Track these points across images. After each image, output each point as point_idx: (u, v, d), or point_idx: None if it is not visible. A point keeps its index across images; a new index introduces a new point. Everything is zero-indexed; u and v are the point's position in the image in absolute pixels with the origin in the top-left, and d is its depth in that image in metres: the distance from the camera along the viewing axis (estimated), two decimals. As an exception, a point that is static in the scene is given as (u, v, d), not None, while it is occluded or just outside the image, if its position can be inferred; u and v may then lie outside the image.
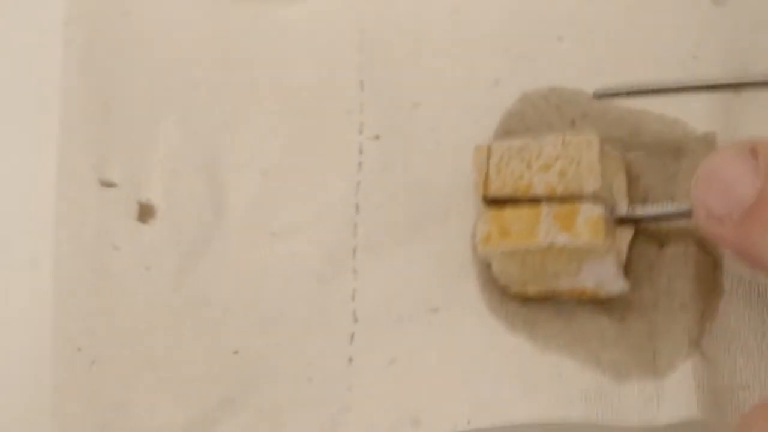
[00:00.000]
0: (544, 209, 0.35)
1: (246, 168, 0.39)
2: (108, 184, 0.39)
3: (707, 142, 0.37)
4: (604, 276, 0.36)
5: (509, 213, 0.36)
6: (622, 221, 0.36)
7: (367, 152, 0.39)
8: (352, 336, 0.37)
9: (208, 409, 0.37)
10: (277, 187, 0.39)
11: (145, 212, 0.39)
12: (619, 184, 0.37)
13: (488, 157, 0.36)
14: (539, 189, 0.36)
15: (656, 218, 0.36)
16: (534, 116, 0.38)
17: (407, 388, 0.37)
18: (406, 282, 0.38)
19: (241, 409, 0.37)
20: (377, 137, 0.39)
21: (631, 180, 0.37)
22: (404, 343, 0.37)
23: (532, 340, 0.36)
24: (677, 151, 0.38)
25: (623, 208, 0.36)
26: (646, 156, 0.38)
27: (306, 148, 0.39)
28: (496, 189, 0.36)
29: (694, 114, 0.38)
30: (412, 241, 0.38)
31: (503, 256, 0.36)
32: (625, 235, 0.36)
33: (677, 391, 0.35)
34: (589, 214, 0.35)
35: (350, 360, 0.37)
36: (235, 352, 0.37)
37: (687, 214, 0.36)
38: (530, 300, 0.37)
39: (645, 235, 0.37)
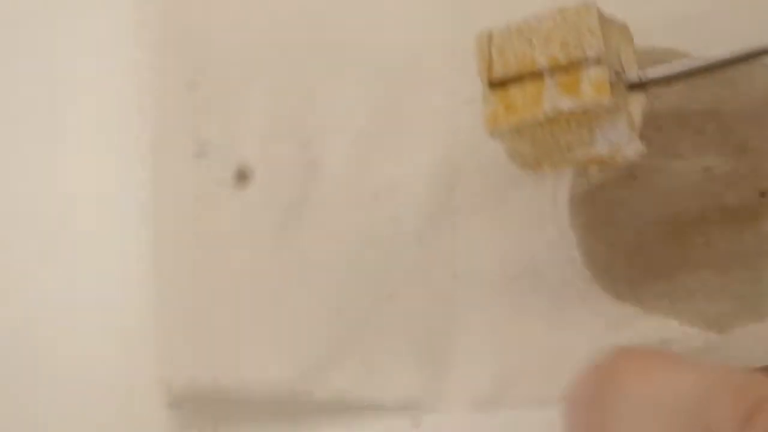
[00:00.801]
0: (548, 80, 0.35)
1: (339, 131, 0.39)
2: (204, 151, 0.39)
3: None
4: (618, 139, 0.35)
5: (514, 90, 0.35)
6: (633, 87, 0.35)
7: (461, 115, 0.39)
8: (453, 295, 0.38)
9: (315, 363, 0.37)
10: (370, 149, 0.39)
11: (242, 176, 0.39)
12: (627, 53, 0.36)
13: (489, 43, 0.36)
14: (542, 63, 0.35)
15: (669, 80, 0.35)
16: None
17: (509, 348, 0.37)
18: (506, 244, 0.38)
19: (345, 366, 0.37)
20: (472, 101, 0.39)
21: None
22: (506, 303, 0.37)
23: (639, 305, 0.37)
24: None
25: (633, 74, 0.35)
26: None
27: (397, 111, 0.39)
28: (500, 71, 0.35)
29: None
30: (510, 203, 0.38)
31: (513, 135, 0.35)
32: (638, 100, 0.35)
33: None
34: (593, 75, 0.34)
35: (451, 318, 0.37)
36: (338, 311, 0.38)
37: (702, 71, 0.35)
38: (634, 263, 0.37)
39: (746, 181, 0.37)
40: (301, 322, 0.37)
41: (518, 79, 0.35)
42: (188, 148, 0.39)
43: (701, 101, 0.38)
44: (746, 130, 0.37)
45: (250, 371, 0.37)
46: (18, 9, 0.42)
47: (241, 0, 0.41)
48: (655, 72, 0.35)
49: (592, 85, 0.34)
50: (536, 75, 0.35)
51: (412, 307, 0.38)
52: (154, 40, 0.40)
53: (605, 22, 0.35)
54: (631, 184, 0.37)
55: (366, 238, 0.38)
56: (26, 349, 0.39)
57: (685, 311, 0.36)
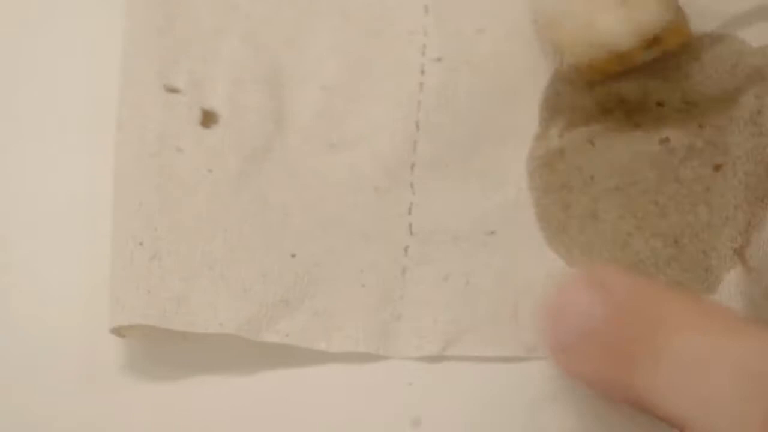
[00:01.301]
0: None
1: (306, 82, 0.40)
2: (172, 90, 0.39)
3: None
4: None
5: None
6: None
7: (429, 73, 0.39)
8: (407, 248, 0.38)
9: (265, 308, 0.37)
10: (336, 101, 0.39)
11: (208, 118, 0.39)
12: None
13: None
14: None
15: None
16: None
17: (461, 304, 0.38)
18: (464, 202, 0.38)
19: (297, 310, 0.37)
20: (440, 59, 0.39)
21: None
22: (459, 261, 0.38)
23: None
24: None
25: None
26: None
27: (367, 66, 0.40)
28: None
29: None
30: (471, 163, 0.39)
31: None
32: None
33: (724, 303, 0.36)
34: None
35: (403, 271, 0.38)
36: (293, 255, 0.38)
37: None
38: (588, 229, 0.37)
39: (702, 155, 0.37)
40: (254, 265, 0.38)
41: None
42: (157, 86, 0.39)
43: (666, 74, 0.38)
44: (707, 105, 0.38)
45: (199, 311, 0.37)
46: (17, 9, 0.42)
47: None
48: None
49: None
50: None
51: (365, 256, 0.38)
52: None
53: None
54: (589, 151, 0.38)
55: (324, 186, 0.38)
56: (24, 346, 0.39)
57: None
